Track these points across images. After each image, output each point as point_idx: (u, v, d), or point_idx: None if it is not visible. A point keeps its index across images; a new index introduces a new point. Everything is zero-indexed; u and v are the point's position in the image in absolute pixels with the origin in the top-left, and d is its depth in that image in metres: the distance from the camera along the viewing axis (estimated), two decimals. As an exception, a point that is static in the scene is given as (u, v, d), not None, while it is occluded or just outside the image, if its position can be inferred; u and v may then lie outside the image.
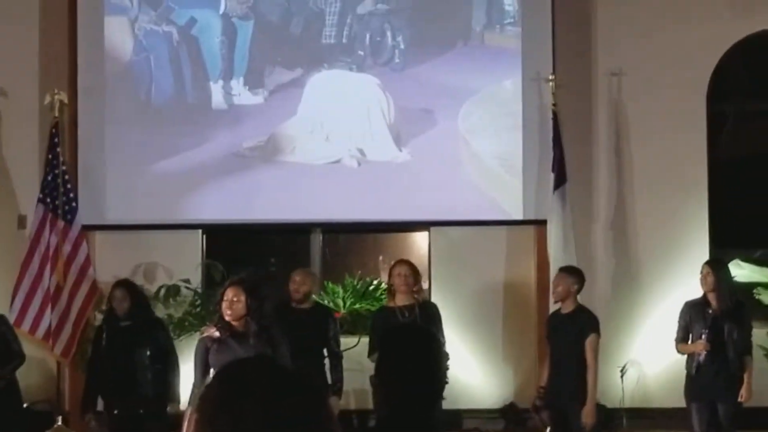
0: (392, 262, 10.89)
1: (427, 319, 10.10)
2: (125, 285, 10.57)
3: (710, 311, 10.01)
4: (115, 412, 10.19)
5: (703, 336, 9.94)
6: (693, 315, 10.11)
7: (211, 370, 8.76)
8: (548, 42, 12.25)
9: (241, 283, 8.78)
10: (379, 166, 12.46)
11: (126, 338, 10.14)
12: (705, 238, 12.31)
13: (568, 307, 10.16)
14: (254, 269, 11.71)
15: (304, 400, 2.56)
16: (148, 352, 10.13)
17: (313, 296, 10.59)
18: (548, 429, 10.18)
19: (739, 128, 13.19)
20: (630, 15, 12.46)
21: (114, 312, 10.34)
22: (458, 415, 11.70)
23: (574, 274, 10.42)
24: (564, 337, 10.10)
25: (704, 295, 10.08)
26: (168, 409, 10.18)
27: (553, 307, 10.53)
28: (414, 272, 10.34)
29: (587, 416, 9.82)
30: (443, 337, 10.22)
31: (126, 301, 10.28)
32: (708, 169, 12.47)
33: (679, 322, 10.23)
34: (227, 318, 8.61)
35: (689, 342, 10.16)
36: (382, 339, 4.36)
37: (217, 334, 8.67)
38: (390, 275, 10.46)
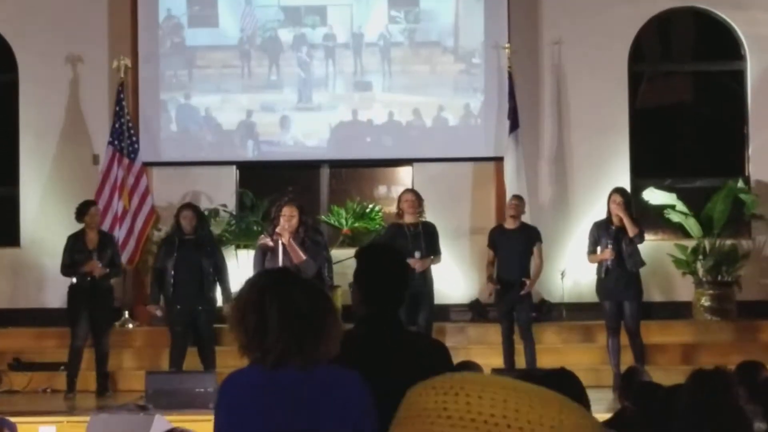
0: (401, 191, 12.02)
1: (428, 233, 11.35)
2: (192, 207, 11.73)
3: (613, 227, 11.19)
4: (178, 306, 11.27)
5: (609, 246, 11.15)
6: (600, 232, 11.27)
7: None
8: (504, 17, 13.50)
9: (296, 202, 10.15)
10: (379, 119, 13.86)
11: (191, 248, 11.29)
12: (626, 170, 13.51)
13: (515, 223, 11.51)
14: (278, 196, 11.77)
15: (311, 299, 2.94)
16: (207, 260, 11.20)
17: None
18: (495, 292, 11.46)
19: (653, 84, 14.42)
20: (568, -2, 13.67)
21: (181, 227, 11.42)
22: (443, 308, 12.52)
23: (523, 199, 11.95)
24: (516, 246, 11.33)
25: (608, 215, 11.22)
26: (225, 306, 10.99)
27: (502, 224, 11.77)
28: (417, 198, 11.41)
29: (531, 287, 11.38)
30: (439, 246, 11.48)
31: (194, 220, 11.41)
32: (629, 115, 13.70)
33: (589, 238, 11.35)
34: (286, 229, 9.86)
35: (598, 252, 11.30)
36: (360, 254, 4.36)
37: (271, 243, 9.99)
38: (399, 200, 11.54)
